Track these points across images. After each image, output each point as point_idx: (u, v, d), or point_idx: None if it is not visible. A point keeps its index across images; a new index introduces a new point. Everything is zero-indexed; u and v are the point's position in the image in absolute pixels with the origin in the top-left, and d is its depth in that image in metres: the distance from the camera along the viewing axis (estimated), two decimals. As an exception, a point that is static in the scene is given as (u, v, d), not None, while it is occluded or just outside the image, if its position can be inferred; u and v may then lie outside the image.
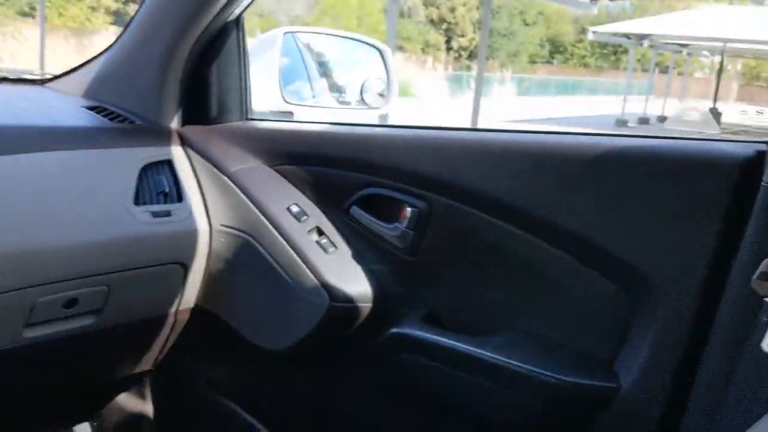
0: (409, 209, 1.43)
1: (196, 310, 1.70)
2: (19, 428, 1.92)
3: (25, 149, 1.45)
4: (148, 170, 1.60)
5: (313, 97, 2.09)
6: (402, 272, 1.51)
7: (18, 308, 1.38)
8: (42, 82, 1.90)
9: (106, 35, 22.68)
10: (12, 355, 1.43)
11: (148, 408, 1.97)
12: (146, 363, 1.79)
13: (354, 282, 1.51)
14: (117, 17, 23.22)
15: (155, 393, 1.97)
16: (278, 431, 1.75)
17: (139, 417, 1.97)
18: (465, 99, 23.87)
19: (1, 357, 1.42)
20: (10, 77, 1.95)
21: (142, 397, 1.97)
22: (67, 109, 1.72)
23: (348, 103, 2.09)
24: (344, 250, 1.55)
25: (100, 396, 1.95)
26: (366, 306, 1.50)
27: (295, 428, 1.75)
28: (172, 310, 1.66)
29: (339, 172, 1.57)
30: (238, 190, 1.60)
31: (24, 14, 21.72)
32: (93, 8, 22.80)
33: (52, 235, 1.40)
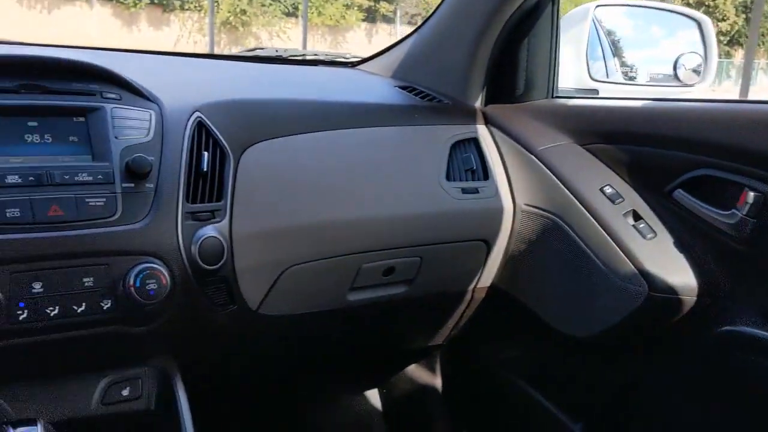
0: (751, 194, 1.28)
1: (493, 289, 1.70)
2: (322, 388, 2.07)
3: (345, 125, 1.53)
4: (456, 148, 1.62)
5: (612, 73, 1.98)
6: (733, 264, 1.36)
7: (346, 272, 1.47)
8: (353, 65, 2.02)
9: (357, 32, 24.19)
10: (335, 316, 1.54)
11: (437, 381, 2.02)
12: (440, 337, 1.83)
13: (676, 271, 1.39)
14: (368, 14, 24.62)
15: (444, 367, 2.01)
16: (577, 417, 1.69)
17: (427, 389, 2.02)
18: (722, 88, 21.71)
19: (327, 317, 1.53)
20: (325, 60, 2.11)
21: (432, 370, 2.03)
22: (381, 88, 1.80)
23: (655, 79, 1.95)
24: (664, 237, 1.44)
25: (394, 365, 2.04)
26: (689, 299, 1.38)
27: (596, 416, 1.67)
28: (471, 287, 1.67)
29: (661, 151, 1.45)
30: (545, 169, 1.56)
31: (288, 14, 23.87)
32: (347, 6, 24.39)
33: (373, 207, 1.47)
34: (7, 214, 1.07)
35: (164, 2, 20.19)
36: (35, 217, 1.09)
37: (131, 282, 1.14)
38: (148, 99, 1.31)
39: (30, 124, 1.17)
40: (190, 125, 1.31)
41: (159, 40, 19.88)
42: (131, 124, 1.24)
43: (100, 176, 1.16)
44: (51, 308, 1.10)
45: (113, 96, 1.26)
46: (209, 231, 1.25)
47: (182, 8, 20.86)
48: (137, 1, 19.68)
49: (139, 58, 1.73)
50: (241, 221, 1.31)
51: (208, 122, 1.34)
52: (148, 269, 1.15)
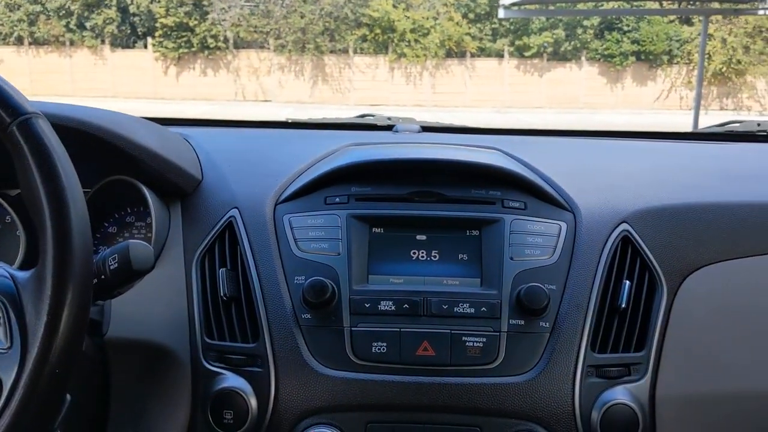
0: None
1: None
2: None
3: None
4: None
5: None
6: None
7: None
8: None
9: None
10: None
11: None
12: None
13: None
14: None
15: None
16: None
17: None
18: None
19: None
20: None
21: None
22: None
23: None
24: None
25: None
26: None
27: None
28: None
29: None
30: None
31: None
32: None
33: None
34: (373, 349, 0.92)
35: (651, 57, 19.82)
36: (401, 355, 0.92)
37: None
38: (562, 207, 1.04)
39: (419, 237, 1.01)
40: (612, 241, 1.00)
41: (640, 97, 19.53)
42: (533, 242, 0.99)
43: (483, 309, 0.94)
44: None
45: (516, 205, 1.03)
46: (620, 395, 0.91)
47: (670, 62, 20.19)
48: (624, 59, 19.75)
49: (557, 144, 1.45)
50: (671, 381, 0.94)
51: (637, 237, 1.00)
52: None
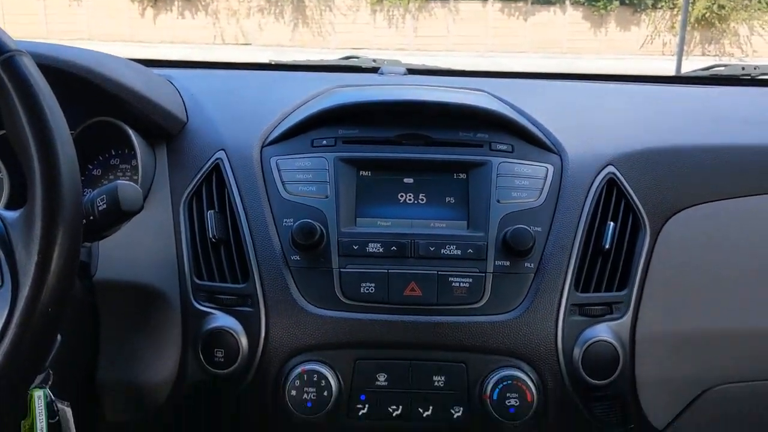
0: None
1: None
2: None
3: None
4: None
5: None
6: None
7: None
8: None
9: None
10: None
11: None
12: None
13: None
14: None
15: None
16: None
17: None
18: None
19: None
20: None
21: None
22: None
23: None
24: None
25: None
26: None
27: None
28: None
29: None
30: None
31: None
32: None
33: None
34: (362, 289, 0.93)
35: (635, 2, 19.60)
36: (389, 295, 0.93)
37: (487, 392, 0.90)
38: (548, 149, 1.04)
39: (406, 181, 1.01)
40: (598, 183, 1.01)
41: (626, 42, 19.36)
42: (520, 184, 1.00)
43: (470, 250, 0.95)
44: (394, 407, 0.93)
45: (504, 148, 1.04)
46: (601, 332, 0.94)
47: (654, 6, 19.99)
48: (608, 3, 19.52)
49: (542, 86, 1.43)
50: (651, 319, 0.97)
51: (622, 179, 1.02)
52: (510, 379, 0.90)
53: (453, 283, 0.93)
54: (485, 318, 0.93)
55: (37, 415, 0.79)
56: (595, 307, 0.95)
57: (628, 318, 0.96)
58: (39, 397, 0.80)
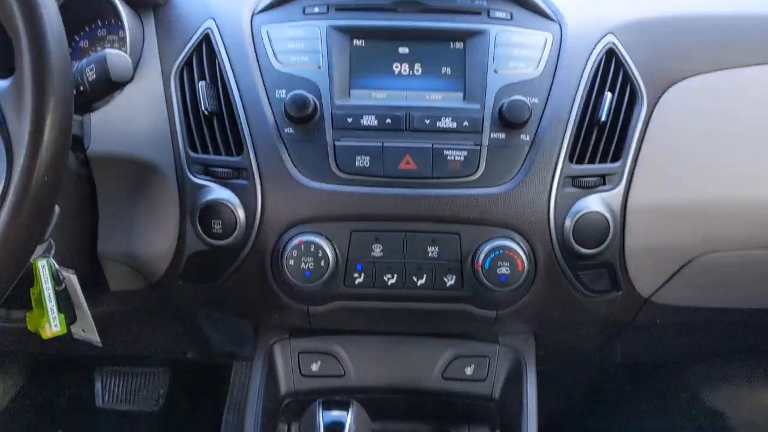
0: None
1: None
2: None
3: None
4: None
5: None
6: None
7: None
8: None
9: None
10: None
11: None
12: None
13: None
14: None
15: None
16: None
17: None
18: None
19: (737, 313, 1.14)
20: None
21: None
22: None
23: None
24: None
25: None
26: None
27: None
28: None
29: None
30: None
31: None
32: None
33: None
34: (357, 163, 0.93)
35: None
36: (385, 168, 0.94)
37: (480, 261, 0.92)
38: (547, 17, 1.02)
39: (401, 50, 0.99)
40: (597, 53, 0.99)
41: None
42: (518, 54, 0.98)
43: (465, 123, 0.94)
44: (389, 276, 0.96)
45: (502, 15, 1.00)
46: (592, 204, 0.95)
47: None
48: None
49: None
50: (643, 190, 0.97)
51: (621, 49, 1.00)
52: (501, 249, 0.92)
53: (448, 156, 0.93)
54: (479, 190, 0.94)
55: (44, 282, 0.82)
56: (588, 179, 0.95)
57: (620, 189, 0.97)
58: (43, 266, 0.82)
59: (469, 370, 1.12)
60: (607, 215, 0.94)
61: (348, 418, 0.82)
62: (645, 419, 1.85)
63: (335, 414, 0.83)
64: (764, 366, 1.76)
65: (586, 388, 1.90)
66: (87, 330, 0.94)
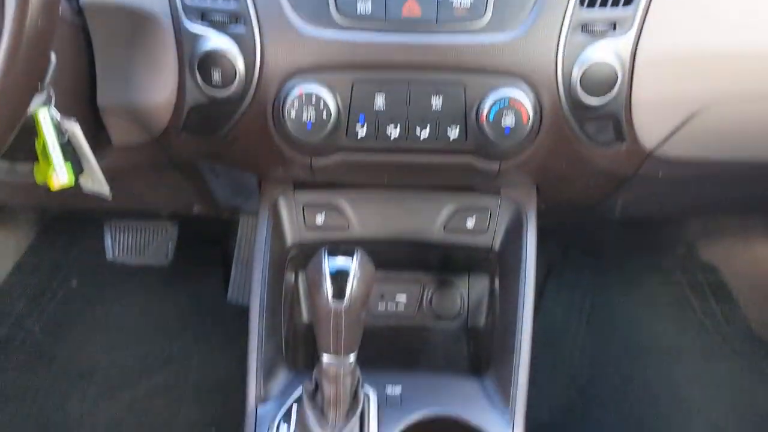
0: None
1: None
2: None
3: None
4: None
5: None
6: None
7: None
8: None
9: None
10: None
11: None
12: None
13: None
14: None
15: None
16: None
17: None
18: None
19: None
20: None
21: None
22: None
23: None
24: None
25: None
26: None
27: None
28: None
29: None
30: None
31: None
32: None
33: None
34: (358, 9, 0.90)
35: None
36: (388, 14, 0.90)
37: (484, 113, 0.91)
38: None
39: None
40: None
41: None
42: None
43: None
44: (392, 127, 0.95)
45: None
46: (601, 51, 0.92)
47: None
48: None
49: None
50: (653, 37, 0.94)
51: None
52: (506, 100, 0.90)
53: (453, 2, 0.90)
54: (486, 37, 0.91)
55: (46, 133, 0.81)
56: (598, 24, 0.92)
57: (630, 36, 0.93)
58: (44, 117, 0.81)
59: (470, 222, 1.14)
60: (616, 63, 0.92)
61: (353, 263, 0.84)
62: (641, 273, 1.91)
63: (341, 259, 0.85)
64: (761, 220, 1.79)
65: (584, 243, 1.95)
66: (95, 181, 0.94)
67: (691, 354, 1.74)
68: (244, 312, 1.14)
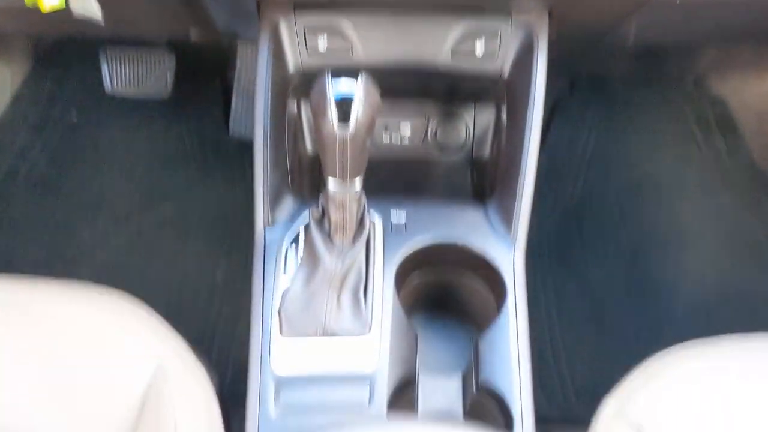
0: None
1: None
2: None
3: None
4: None
5: None
6: None
7: None
8: None
9: None
10: None
11: None
12: None
13: None
14: None
15: None
16: None
17: None
18: None
19: None
20: None
21: None
22: None
23: None
24: None
25: None
26: None
27: None
28: None
29: None
30: None
31: None
32: None
33: None
34: None
35: None
36: None
37: None
38: None
39: None
40: None
41: None
42: None
43: None
44: None
45: None
46: None
47: None
48: None
49: None
50: None
51: None
52: None
53: None
54: None
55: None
56: None
57: None
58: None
59: (479, 47, 1.09)
60: None
61: (358, 87, 0.82)
62: (648, 107, 1.88)
63: (345, 82, 0.83)
64: None
65: (591, 76, 1.90)
66: (87, 5, 0.90)
67: (691, 187, 1.76)
68: (245, 145, 1.13)
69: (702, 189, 1.76)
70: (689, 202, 1.73)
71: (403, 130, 1.40)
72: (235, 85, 1.76)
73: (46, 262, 1.61)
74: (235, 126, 1.81)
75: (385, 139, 1.40)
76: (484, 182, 1.34)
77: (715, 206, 1.72)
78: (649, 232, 1.67)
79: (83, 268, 1.60)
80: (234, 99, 1.79)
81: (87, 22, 0.94)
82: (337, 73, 0.84)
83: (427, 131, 1.39)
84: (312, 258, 0.98)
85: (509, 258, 1.06)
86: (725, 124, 1.85)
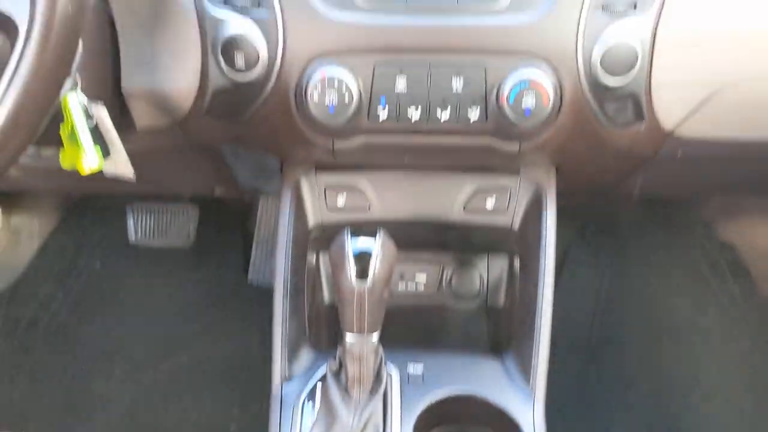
0: None
1: None
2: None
3: None
4: None
5: None
6: None
7: None
8: None
9: None
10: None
11: None
12: None
13: None
14: None
15: None
16: None
17: None
18: None
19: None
20: None
21: None
22: None
23: None
24: None
25: None
26: None
27: None
28: None
29: None
30: None
31: None
32: None
33: None
34: None
35: None
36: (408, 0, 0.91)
37: (505, 95, 0.92)
38: None
39: None
40: None
41: None
42: None
43: None
44: (413, 109, 0.95)
45: None
46: (621, 31, 0.92)
47: None
48: None
49: None
50: (674, 17, 0.94)
51: None
52: (527, 82, 0.91)
53: None
54: (507, 18, 0.91)
55: (75, 116, 0.82)
56: (619, 4, 0.92)
57: (651, 15, 0.93)
58: (73, 102, 0.82)
59: (490, 203, 1.15)
60: (636, 43, 0.92)
61: (376, 243, 0.85)
62: (658, 252, 1.91)
63: (363, 240, 0.86)
64: None
65: (601, 223, 1.95)
66: (120, 165, 0.96)
67: (709, 333, 1.74)
68: (264, 293, 1.16)
69: (721, 335, 1.74)
70: (709, 347, 1.71)
71: (419, 279, 1.42)
72: (256, 234, 1.82)
73: (60, 413, 1.60)
74: (255, 273, 1.85)
75: (401, 287, 1.42)
76: (500, 331, 1.35)
77: (736, 353, 1.70)
78: (670, 381, 1.64)
79: (98, 420, 1.58)
80: (254, 247, 1.84)
81: (116, 180, 1.00)
82: (356, 230, 0.88)
83: (441, 279, 1.42)
84: (329, 414, 0.97)
85: (528, 409, 1.05)
86: (737, 268, 1.86)
